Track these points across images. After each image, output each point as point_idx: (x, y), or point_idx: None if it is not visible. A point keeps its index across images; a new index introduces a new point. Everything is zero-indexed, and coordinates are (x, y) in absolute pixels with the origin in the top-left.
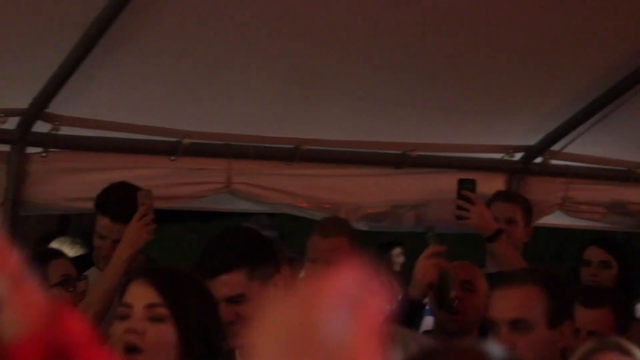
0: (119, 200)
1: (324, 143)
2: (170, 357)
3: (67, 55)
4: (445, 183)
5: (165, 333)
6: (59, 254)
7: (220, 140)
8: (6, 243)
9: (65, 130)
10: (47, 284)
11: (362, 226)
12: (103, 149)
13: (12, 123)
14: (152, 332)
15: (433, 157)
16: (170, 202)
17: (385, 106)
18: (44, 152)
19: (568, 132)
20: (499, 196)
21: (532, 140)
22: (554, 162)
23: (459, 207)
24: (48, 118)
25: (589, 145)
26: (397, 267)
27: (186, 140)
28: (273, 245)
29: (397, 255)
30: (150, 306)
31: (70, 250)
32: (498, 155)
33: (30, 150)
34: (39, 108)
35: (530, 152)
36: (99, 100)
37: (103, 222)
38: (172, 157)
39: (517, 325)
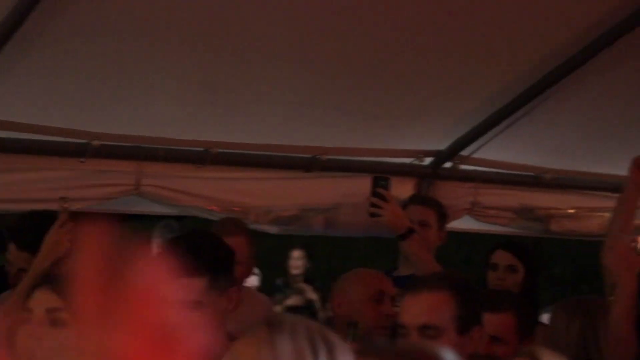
0: (28, 229)
1: (234, 146)
2: None
3: None
4: (355, 187)
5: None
6: None
7: (130, 143)
8: None
9: None
10: None
11: (272, 229)
12: (11, 150)
13: None
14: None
15: (343, 160)
16: (79, 204)
17: (296, 110)
18: None
19: (477, 138)
20: (414, 199)
21: (442, 145)
22: (463, 167)
23: (373, 205)
24: None
25: (498, 151)
26: (297, 270)
27: (95, 142)
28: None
29: (297, 258)
30: (51, 310)
31: None
32: (408, 160)
33: None
34: None
35: (440, 157)
36: (7, 101)
37: (10, 248)
38: (82, 159)
39: (427, 330)
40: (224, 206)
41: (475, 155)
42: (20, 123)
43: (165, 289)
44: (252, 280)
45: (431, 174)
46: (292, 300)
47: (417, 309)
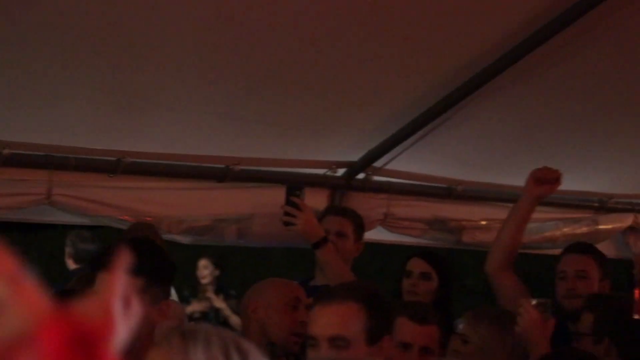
0: None
1: (147, 156)
2: None
3: None
4: (269, 197)
5: None
6: None
7: (41, 152)
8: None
9: None
10: None
11: (184, 240)
12: None
13: None
14: None
15: (256, 171)
16: None
17: (209, 120)
18: None
19: (390, 149)
20: (331, 210)
21: (355, 156)
22: (376, 178)
23: (287, 213)
24: None
25: (410, 162)
26: (205, 280)
27: (6, 151)
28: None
29: (204, 267)
30: None
31: None
32: (321, 171)
33: None
34: None
35: (353, 168)
36: None
37: None
38: None
39: (336, 342)
40: (136, 216)
41: (388, 167)
42: None
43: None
44: None
45: (344, 185)
46: (193, 307)
47: (326, 320)
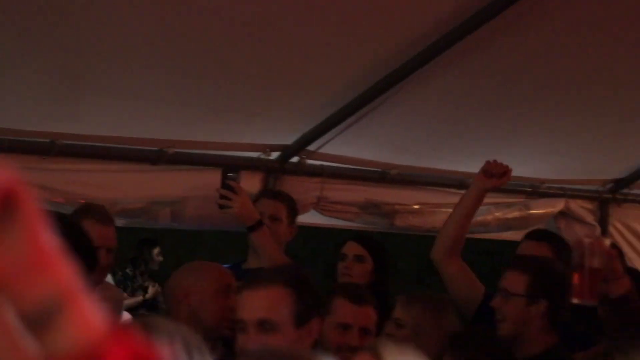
0: None
1: (81, 138)
2: None
3: None
4: (204, 180)
5: None
6: None
7: None
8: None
9: None
10: None
11: (118, 222)
12: None
13: None
14: None
15: (190, 154)
16: None
17: (144, 102)
18: None
19: (324, 133)
20: (265, 193)
21: (289, 140)
22: (309, 161)
23: (222, 197)
24: None
25: (344, 146)
26: (155, 266)
27: None
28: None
29: (158, 254)
30: None
31: None
32: (255, 154)
33: None
34: None
35: (287, 151)
36: None
37: None
38: None
39: (264, 325)
40: (70, 198)
41: (322, 151)
42: None
43: None
44: None
45: (278, 169)
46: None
47: (254, 304)
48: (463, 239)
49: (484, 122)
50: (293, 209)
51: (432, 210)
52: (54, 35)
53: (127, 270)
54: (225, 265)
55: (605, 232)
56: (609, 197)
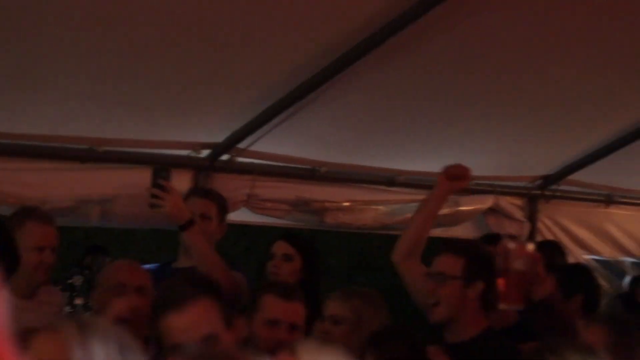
0: None
1: (8, 136)
2: None
3: None
4: (134, 178)
5: None
6: None
7: None
8: None
9: None
10: None
11: None
12: None
13: None
14: None
15: (120, 152)
16: None
17: (73, 100)
18: None
19: (254, 131)
20: (195, 192)
21: (219, 137)
22: (240, 159)
23: (153, 196)
24: None
25: (274, 144)
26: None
27: None
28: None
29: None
30: None
31: None
32: (185, 152)
33: None
34: None
35: (217, 149)
36: None
37: None
38: None
39: (209, 341)
40: None
41: (252, 148)
42: None
43: None
44: None
45: (208, 167)
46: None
47: (191, 324)
48: (424, 241)
49: (414, 119)
50: (223, 207)
51: (361, 207)
52: None
53: (72, 282)
54: (155, 265)
55: (534, 228)
56: (537, 193)
